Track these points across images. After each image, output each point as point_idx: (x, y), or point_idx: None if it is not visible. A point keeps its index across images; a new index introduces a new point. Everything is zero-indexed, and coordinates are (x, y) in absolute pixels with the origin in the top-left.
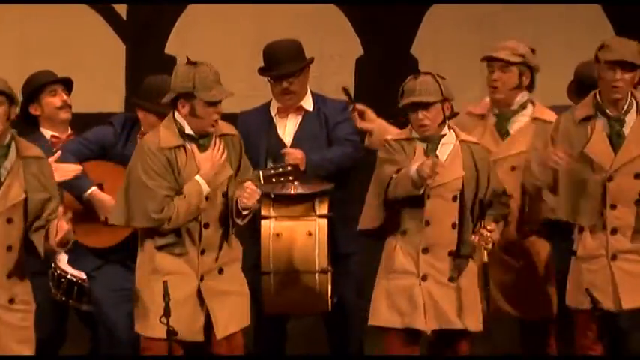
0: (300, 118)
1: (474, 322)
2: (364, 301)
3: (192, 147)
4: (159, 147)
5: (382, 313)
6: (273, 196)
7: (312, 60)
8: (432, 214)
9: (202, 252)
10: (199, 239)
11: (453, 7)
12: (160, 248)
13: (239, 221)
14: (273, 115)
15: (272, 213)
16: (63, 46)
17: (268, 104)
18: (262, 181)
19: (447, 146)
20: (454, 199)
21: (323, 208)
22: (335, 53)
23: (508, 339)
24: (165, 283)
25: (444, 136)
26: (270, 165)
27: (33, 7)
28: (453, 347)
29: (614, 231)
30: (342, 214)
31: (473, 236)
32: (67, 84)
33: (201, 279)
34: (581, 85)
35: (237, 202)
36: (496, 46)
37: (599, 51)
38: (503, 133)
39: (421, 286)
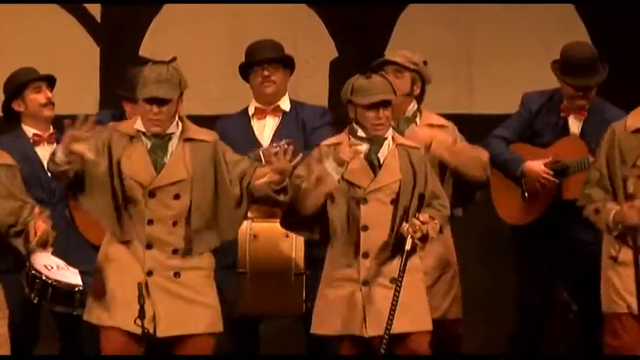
0: (277, 119)
1: (420, 323)
2: None
3: (144, 140)
4: (116, 129)
5: (323, 322)
6: (263, 161)
7: (292, 59)
8: (370, 219)
9: (148, 246)
10: (143, 234)
11: (428, 8)
12: (112, 237)
13: (282, 197)
14: (250, 114)
15: (250, 214)
16: (37, 48)
17: (246, 108)
18: (263, 160)
19: (386, 149)
20: (392, 202)
21: None
22: (309, 56)
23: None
24: (139, 285)
25: (384, 139)
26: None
27: (6, 7)
28: (409, 347)
29: None
30: None
31: (404, 224)
32: (51, 82)
33: (149, 274)
34: (566, 65)
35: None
36: (392, 52)
37: None
38: None
39: (362, 292)
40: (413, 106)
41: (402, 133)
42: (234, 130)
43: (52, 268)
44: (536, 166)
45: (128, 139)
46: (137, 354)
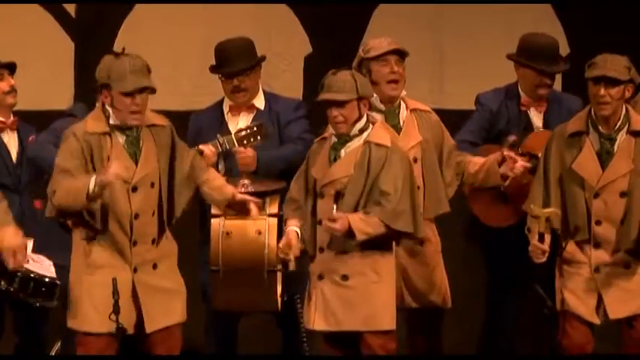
0: (251, 116)
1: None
2: None
3: (118, 137)
4: (84, 131)
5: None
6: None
7: (263, 58)
8: (321, 214)
9: (135, 243)
10: (130, 230)
11: (402, 4)
12: (89, 240)
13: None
14: (225, 112)
15: (221, 211)
16: (11, 43)
17: (221, 103)
18: (237, 143)
19: (352, 146)
20: (335, 196)
21: (273, 207)
22: (283, 51)
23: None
24: (114, 280)
25: (354, 136)
26: (221, 165)
27: None
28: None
29: (597, 245)
30: None
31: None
32: (12, 69)
33: (135, 271)
34: (530, 52)
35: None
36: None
37: (587, 69)
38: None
39: (317, 287)
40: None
41: (392, 125)
42: (208, 125)
43: (28, 260)
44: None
45: (102, 138)
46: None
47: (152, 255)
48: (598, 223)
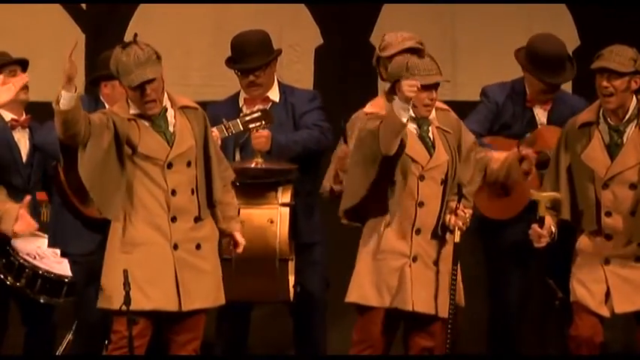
0: (267, 107)
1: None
2: (328, 290)
3: (144, 121)
4: (112, 111)
5: (366, 292)
6: (238, 184)
7: (279, 52)
8: (424, 197)
9: (173, 219)
10: (168, 206)
11: None
12: (125, 219)
13: None
14: (240, 105)
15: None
16: (22, 35)
17: (237, 95)
18: (242, 127)
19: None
20: (442, 182)
21: (286, 197)
22: (294, 42)
23: None
24: (125, 272)
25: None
26: (237, 157)
27: None
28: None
29: (608, 237)
30: (306, 204)
31: (450, 216)
32: (24, 66)
33: (175, 248)
34: (536, 60)
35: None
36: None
37: (594, 60)
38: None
39: (411, 268)
40: None
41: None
42: (224, 116)
43: (35, 257)
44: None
45: (127, 121)
46: (147, 335)
47: (195, 234)
48: (608, 214)
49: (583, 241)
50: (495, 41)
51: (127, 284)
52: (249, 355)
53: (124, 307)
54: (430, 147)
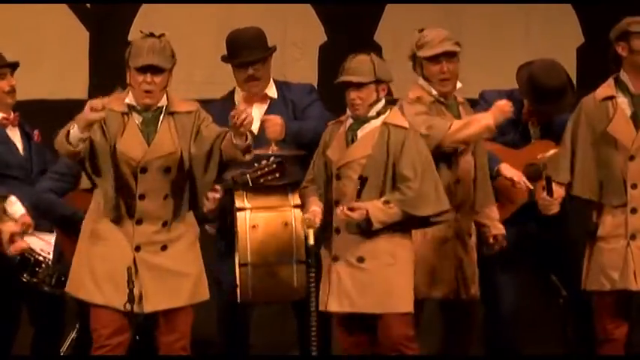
0: (265, 106)
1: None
2: None
3: (134, 117)
4: (109, 105)
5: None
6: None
7: (275, 48)
8: (338, 195)
9: (139, 222)
10: (134, 210)
11: None
12: (99, 211)
13: (247, 157)
14: (237, 103)
15: (247, 204)
16: (26, 34)
17: (232, 93)
18: (251, 183)
19: (368, 127)
20: (361, 182)
21: (297, 198)
22: (298, 40)
23: None
24: (129, 269)
25: (371, 118)
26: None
27: None
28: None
29: (633, 210)
30: None
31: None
32: (14, 68)
33: (137, 249)
34: (535, 91)
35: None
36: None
37: (630, 25)
38: None
39: (331, 269)
40: None
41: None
42: (221, 117)
43: (48, 252)
44: (513, 172)
45: (120, 116)
46: (127, 332)
47: (162, 237)
48: (634, 186)
49: (606, 221)
50: (498, 41)
51: (130, 282)
52: (251, 355)
53: (127, 307)
54: (349, 144)
